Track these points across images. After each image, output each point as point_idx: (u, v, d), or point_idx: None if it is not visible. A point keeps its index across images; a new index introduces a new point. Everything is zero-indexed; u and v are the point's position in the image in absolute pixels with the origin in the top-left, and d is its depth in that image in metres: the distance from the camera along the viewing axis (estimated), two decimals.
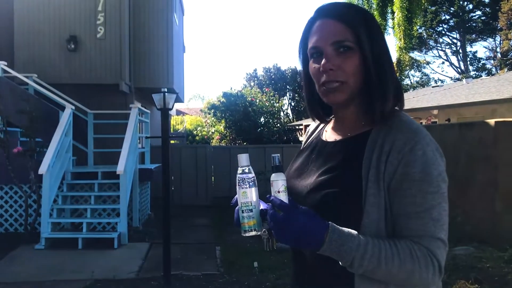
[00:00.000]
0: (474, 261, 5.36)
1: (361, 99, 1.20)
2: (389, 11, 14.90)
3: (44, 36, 9.63)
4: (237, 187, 1.15)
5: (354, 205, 1.09)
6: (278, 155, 1.16)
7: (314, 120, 1.40)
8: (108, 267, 5.63)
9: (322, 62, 1.15)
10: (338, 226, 1.04)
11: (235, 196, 1.20)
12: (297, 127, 16.24)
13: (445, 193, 1.08)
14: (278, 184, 1.11)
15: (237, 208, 1.18)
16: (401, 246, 1.03)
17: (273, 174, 1.13)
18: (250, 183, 1.14)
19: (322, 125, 1.42)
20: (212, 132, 16.88)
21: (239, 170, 1.16)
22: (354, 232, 1.04)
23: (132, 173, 7.80)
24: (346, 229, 1.04)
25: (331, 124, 1.34)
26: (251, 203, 1.13)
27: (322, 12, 1.20)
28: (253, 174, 1.16)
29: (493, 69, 31.88)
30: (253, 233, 1.14)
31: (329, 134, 1.32)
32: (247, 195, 1.13)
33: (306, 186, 1.21)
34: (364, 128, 1.20)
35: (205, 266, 5.74)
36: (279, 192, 1.10)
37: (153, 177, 8.64)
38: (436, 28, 32.76)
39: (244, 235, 1.15)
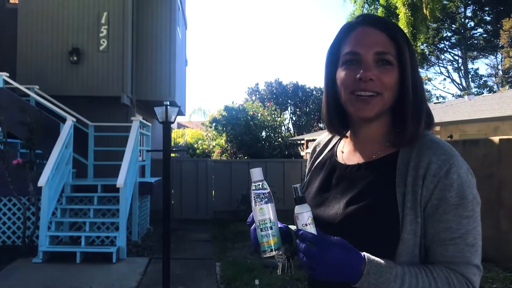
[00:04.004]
0: (481, 281, 5.25)
1: (388, 118, 1.15)
2: None
3: (46, 48, 9.64)
4: (253, 203, 1.06)
5: (391, 233, 1.03)
6: (299, 185, 1.07)
7: (329, 131, 1.29)
8: (106, 282, 5.52)
9: (363, 69, 1.08)
10: (374, 257, 0.98)
11: (251, 214, 1.11)
12: (298, 142, 16.19)
13: (479, 216, 1.05)
14: (304, 217, 1.03)
15: (253, 227, 1.10)
16: (438, 274, 0.99)
17: (296, 207, 1.04)
18: (267, 199, 1.05)
19: (333, 144, 1.34)
20: (213, 146, 16.80)
21: (253, 186, 1.07)
22: (390, 262, 0.99)
23: (132, 186, 7.73)
24: (382, 260, 0.99)
25: (347, 145, 1.26)
26: (269, 220, 1.05)
27: (367, 20, 1.15)
28: (268, 189, 1.07)
29: (495, 86, 31.93)
30: (274, 253, 1.05)
31: (348, 156, 1.23)
32: (264, 212, 1.05)
33: (334, 215, 1.13)
34: (388, 149, 1.14)
35: (205, 282, 5.63)
36: (306, 225, 1.02)
37: (153, 191, 8.55)
38: (438, 45, 32.90)
39: (263, 255, 1.06)
